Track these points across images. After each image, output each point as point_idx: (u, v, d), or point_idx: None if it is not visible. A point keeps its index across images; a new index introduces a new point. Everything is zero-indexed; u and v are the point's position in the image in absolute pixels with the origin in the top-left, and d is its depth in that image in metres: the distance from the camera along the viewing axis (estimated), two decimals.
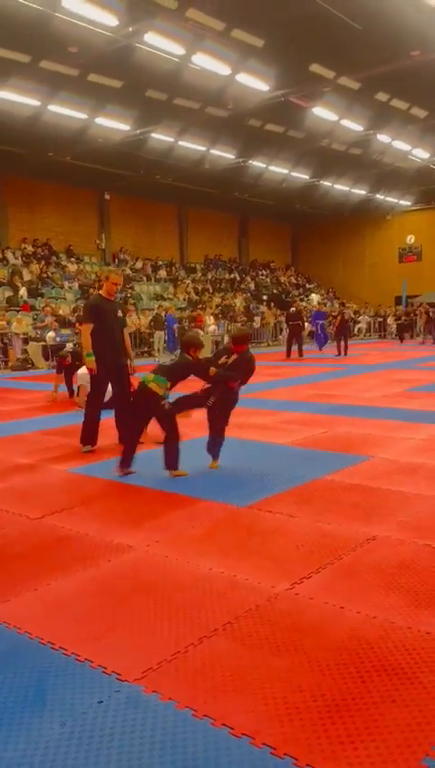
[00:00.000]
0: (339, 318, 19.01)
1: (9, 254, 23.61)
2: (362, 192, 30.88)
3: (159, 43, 14.97)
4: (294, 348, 18.43)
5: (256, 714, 2.17)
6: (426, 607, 2.90)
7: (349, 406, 8.83)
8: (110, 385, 6.43)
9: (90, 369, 6.23)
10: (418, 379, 11.85)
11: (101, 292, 6.51)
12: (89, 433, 6.37)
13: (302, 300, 31.31)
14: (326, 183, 28.95)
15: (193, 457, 5.53)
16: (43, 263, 24.18)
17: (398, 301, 31.64)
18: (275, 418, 7.98)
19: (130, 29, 14.26)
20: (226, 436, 6.17)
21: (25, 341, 17.56)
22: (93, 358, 6.10)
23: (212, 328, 22.50)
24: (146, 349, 20.59)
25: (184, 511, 4.41)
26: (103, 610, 2.94)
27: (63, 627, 2.80)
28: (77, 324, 9.96)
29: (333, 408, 8.60)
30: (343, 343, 18.49)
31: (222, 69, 16.39)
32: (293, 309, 19.69)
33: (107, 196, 27.77)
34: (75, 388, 9.21)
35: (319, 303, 29.55)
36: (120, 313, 6.50)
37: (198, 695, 2.29)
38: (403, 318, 26.19)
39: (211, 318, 23.19)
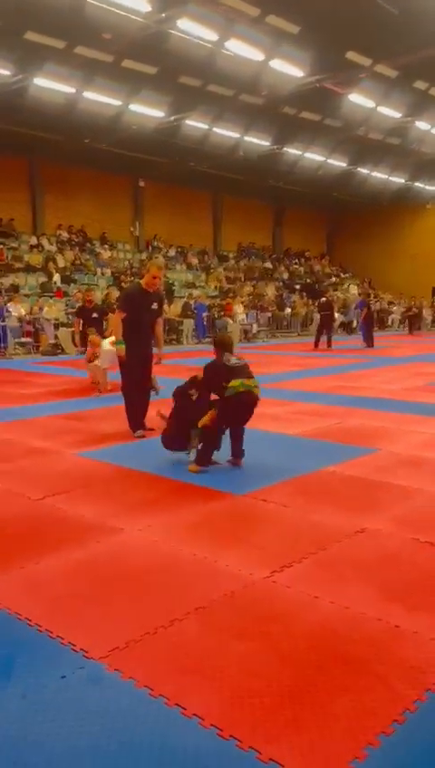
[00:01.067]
0: (365, 309, 18.73)
1: (45, 241, 23.95)
2: (401, 180, 30.32)
3: (193, 29, 14.97)
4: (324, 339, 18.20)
5: (209, 696, 2.23)
6: (399, 600, 2.90)
7: (366, 398, 8.76)
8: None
9: (120, 357, 6.35)
10: None
11: (141, 281, 6.58)
12: (135, 418, 6.46)
13: (335, 290, 31.02)
14: (363, 171, 28.52)
15: None
16: (77, 249, 24.46)
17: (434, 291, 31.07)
18: (289, 409, 7.98)
19: (163, 15, 14.28)
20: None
21: (57, 327, 17.82)
22: (124, 346, 6.24)
23: (241, 317, 22.47)
24: (175, 336, 20.70)
25: (182, 498, 4.48)
26: (83, 590, 3.03)
27: (42, 604, 2.89)
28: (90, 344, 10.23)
29: (350, 400, 8.55)
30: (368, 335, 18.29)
31: (256, 55, 16.27)
32: (324, 299, 19.47)
33: (142, 183, 27.86)
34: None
35: (360, 294, 29.13)
36: (154, 306, 6.46)
37: (159, 675, 2.35)
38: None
39: (241, 307, 23.14)
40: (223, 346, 5.33)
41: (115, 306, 6.68)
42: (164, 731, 2.05)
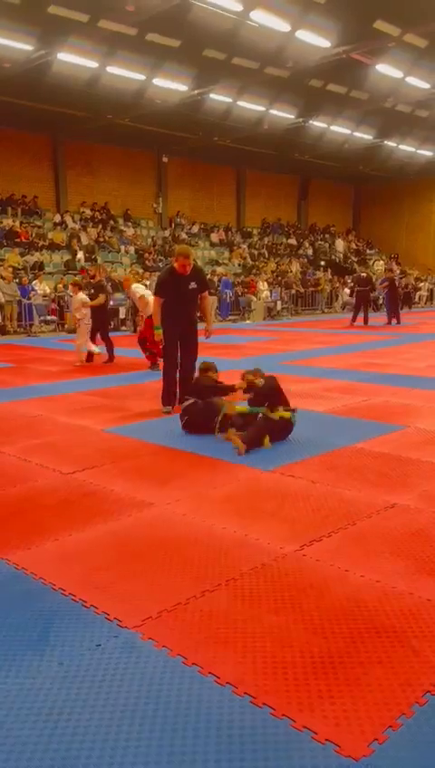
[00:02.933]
0: (388, 284, 18.28)
1: (68, 218, 23.95)
2: (429, 153, 29.58)
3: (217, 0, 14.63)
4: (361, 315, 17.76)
5: (243, 665, 2.26)
6: (430, 574, 2.90)
7: (393, 375, 8.67)
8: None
9: (158, 342, 6.69)
10: None
11: (175, 264, 6.62)
12: (168, 395, 6.67)
13: (364, 265, 30.59)
14: (391, 143, 27.88)
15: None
16: (100, 227, 24.43)
17: None
18: (317, 386, 7.94)
19: None
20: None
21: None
22: (161, 330, 6.51)
23: (265, 294, 22.32)
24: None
25: (210, 473, 4.50)
26: (115, 562, 3.07)
27: (76, 575, 2.94)
28: (70, 286, 11.00)
29: (377, 377, 8.48)
30: (395, 311, 17.97)
31: (281, 25, 15.88)
32: (364, 274, 18.95)
33: (165, 159, 27.63)
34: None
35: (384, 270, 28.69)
36: (193, 285, 6.52)
37: (191, 644, 2.39)
38: None
39: (265, 284, 22.97)
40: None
41: (154, 292, 7.03)
42: (198, 696, 2.09)
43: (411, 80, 19.78)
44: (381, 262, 30.69)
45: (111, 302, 17.68)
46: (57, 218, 23.75)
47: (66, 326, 17.35)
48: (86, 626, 2.53)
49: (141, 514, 3.69)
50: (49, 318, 17.69)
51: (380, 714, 1.99)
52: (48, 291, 17.91)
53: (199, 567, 2.99)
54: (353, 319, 17.94)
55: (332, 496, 3.97)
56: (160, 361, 7.82)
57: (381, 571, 2.93)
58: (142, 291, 10.49)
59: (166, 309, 6.45)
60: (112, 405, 6.99)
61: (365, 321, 17.67)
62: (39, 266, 19.91)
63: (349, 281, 25.81)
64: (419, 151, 29.03)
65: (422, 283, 29.14)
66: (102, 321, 11.19)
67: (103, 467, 4.64)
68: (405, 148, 28.46)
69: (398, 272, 25.66)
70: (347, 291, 24.26)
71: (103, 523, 3.55)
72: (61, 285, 18.33)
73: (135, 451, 5.14)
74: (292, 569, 2.98)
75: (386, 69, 18.81)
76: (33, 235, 22.03)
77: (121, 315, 17.97)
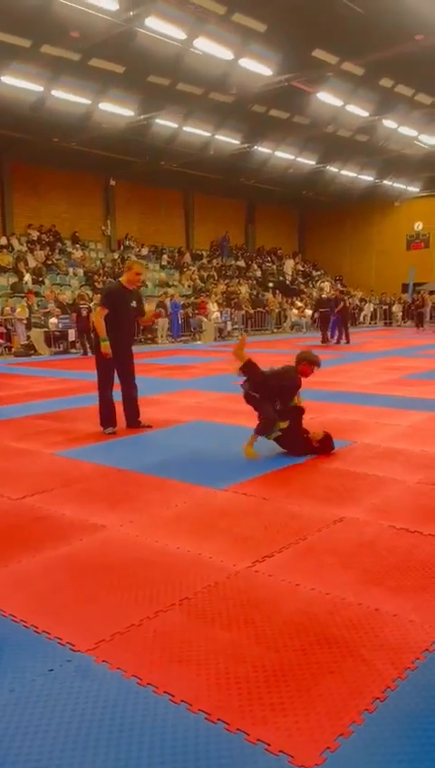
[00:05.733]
0: (341, 305, 18.92)
1: (15, 241, 23.71)
2: (370, 178, 30.69)
3: (161, 28, 14.95)
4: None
5: (197, 683, 2.27)
6: (378, 585, 2.98)
7: (342, 392, 8.88)
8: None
9: (104, 354, 6.37)
10: (415, 367, 11.87)
11: (121, 279, 6.63)
12: (107, 415, 6.56)
13: (310, 287, 31.27)
14: (333, 169, 28.81)
15: (184, 440, 5.61)
16: (48, 249, 24.26)
17: (404, 288, 31.52)
18: None
19: (131, 13, 14.24)
20: (214, 422, 6.93)
21: (28, 327, 17.68)
22: (108, 342, 6.32)
23: (215, 315, 22.54)
24: (149, 335, 20.67)
25: (162, 493, 4.51)
26: (67, 586, 3.05)
27: (27, 600, 2.90)
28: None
29: (326, 395, 8.65)
30: (343, 331, 18.61)
31: (224, 53, 16.32)
32: (324, 296, 20.08)
33: (112, 182, 27.76)
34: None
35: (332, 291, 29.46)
36: (134, 304, 6.59)
37: (145, 665, 2.39)
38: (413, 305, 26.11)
39: (215, 305, 23.20)
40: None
41: (98, 303, 6.83)
42: (154, 717, 2.09)
43: (351, 107, 20.54)
44: (327, 282, 31.48)
45: (60, 325, 17.60)
46: (3, 241, 23.47)
47: (13, 349, 17.09)
48: (38, 651, 2.49)
49: (93, 537, 3.66)
50: None
51: (331, 722, 2.04)
52: None
53: (153, 587, 3.00)
54: (324, 338, 18.76)
55: (283, 512, 4.03)
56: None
57: (331, 584, 3.00)
58: None
59: (109, 321, 6.34)
60: (63, 428, 6.92)
61: (323, 339, 18.58)
62: None
63: (297, 302, 26.38)
64: (360, 176, 30.05)
65: (366, 304, 29.95)
66: None
67: (54, 491, 4.59)
68: (347, 173, 29.45)
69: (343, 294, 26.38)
70: (308, 312, 24.92)
71: (54, 548, 3.51)
72: (8, 308, 18.08)
73: (86, 474, 5.10)
74: (244, 585, 3.01)
75: (326, 97, 19.49)
76: None
77: (71, 338, 17.81)
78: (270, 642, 2.52)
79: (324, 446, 5.40)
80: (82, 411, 7.95)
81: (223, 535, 3.66)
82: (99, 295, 7.75)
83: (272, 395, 5.46)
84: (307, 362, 5.63)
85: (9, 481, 4.89)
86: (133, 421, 6.66)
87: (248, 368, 5.52)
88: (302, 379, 5.63)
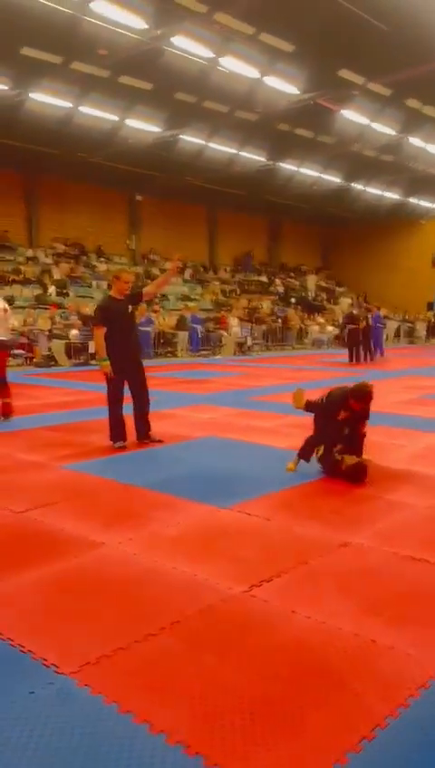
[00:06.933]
0: (364, 323, 18.68)
1: (40, 253, 24.02)
2: (395, 196, 30.52)
3: (188, 46, 15.10)
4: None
5: (179, 712, 2.19)
6: (377, 615, 2.87)
7: None
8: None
9: (106, 375, 6.28)
10: None
11: (111, 292, 6.60)
12: (116, 429, 6.47)
13: (333, 303, 31.12)
14: (358, 186, 28.71)
15: (194, 456, 5.56)
16: (72, 262, 24.53)
17: (430, 306, 31.21)
18: (280, 422, 7.96)
19: (159, 32, 14.40)
20: (226, 438, 6.87)
21: (50, 339, 17.83)
22: (108, 362, 6.21)
23: (236, 330, 22.52)
24: (169, 349, 20.72)
25: (165, 511, 4.45)
26: (57, 604, 2.99)
27: (14, 618, 2.85)
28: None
29: None
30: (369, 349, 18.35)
31: (250, 72, 16.42)
32: (354, 311, 19.50)
33: (138, 198, 28.01)
34: None
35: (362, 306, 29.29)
36: (130, 308, 6.47)
37: (128, 691, 2.32)
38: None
39: (236, 320, 23.19)
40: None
41: (93, 322, 6.65)
42: (130, 749, 2.02)
43: (376, 126, 20.50)
44: (349, 300, 31.32)
45: (81, 337, 17.71)
46: (29, 253, 23.80)
47: (34, 360, 17.23)
48: (21, 672, 2.44)
49: (90, 554, 3.61)
50: (17, 352, 17.54)
51: (314, 761, 1.95)
52: (16, 324, 17.80)
53: (144, 609, 2.93)
54: (351, 356, 17.84)
55: (286, 534, 3.94)
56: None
57: (329, 612, 2.90)
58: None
59: (111, 336, 6.23)
60: (74, 440, 6.91)
61: (352, 358, 17.71)
62: (9, 300, 19.85)
63: (319, 318, 26.21)
64: (385, 195, 29.93)
65: (390, 321, 29.67)
66: None
67: (57, 506, 4.55)
68: (372, 191, 29.33)
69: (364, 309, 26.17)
70: (330, 328, 24.75)
71: (49, 564, 3.46)
72: (30, 319, 18.27)
73: (91, 488, 5.07)
74: (238, 610, 2.93)
75: (352, 115, 19.48)
76: (8, 269, 22.02)
77: (91, 349, 17.89)
78: (260, 671, 2.43)
79: (353, 473, 5.09)
80: (94, 424, 7.92)
81: (222, 557, 3.58)
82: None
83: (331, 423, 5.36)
84: (354, 399, 5.32)
85: (14, 493, 4.87)
86: (143, 435, 6.61)
87: (308, 408, 5.65)
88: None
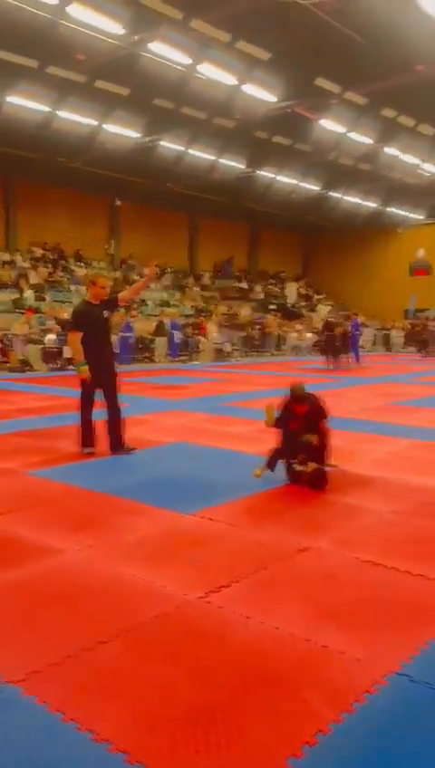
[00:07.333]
0: (341, 329, 18.82)
1: (17, 257, 23.86)
2: (373, 205, 30.89)
3: (165, 52, 15.17)
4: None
5: (123, 720, 2.17)
6: (331, 620, 2.88)
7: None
8: None
9: (83, 380, 6.19)
10: (407, 393, 11.79)
11: (87, 297, 6.54)
12: (86, 435, 6.38)
13: (311, 311, 31.31)
14: (336, 195, 29.00)
15: (162, 462, 5.54)
16: (51, 266, 24.40)
17: (406, 314, 31.55)
18: (252, 428, 7.95)
19: (136, 37, 14.45)
20: (197, 443, 6.89)
21: (26, 343, 17.70)
22: (87, 367, 6.11)
23: (214, 335, 22.55)
24: (147, 354, 20.67)
25: (128, 517, 4.42)
26: (9, 613, 2.96)
27: None
28: None
29: None
30: (343, 355, 18.49)
31: (228, 79, 16.54)
32: (332, 319, 19.85)
33: (118, 203, 27.99)
34: None
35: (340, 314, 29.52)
36: (106, 313, 6.39)
37: (75, 699, 2.29)
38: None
39: (214, 326, 23.23)
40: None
41: (68, 327, 6.53)
42: (71, 757, 2.00)
43: (353, 135, 20.73)
44: (328, 307, 31.54)
45: (58, 342, 17.60)
46: (6, 257, 23.63)
47: (9, 365, 17.09)
48: None
49: (48, 562, 3.58)
50: None
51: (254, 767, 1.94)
52: None
53: (97, 617, 2.91)
54: (328, 363, 18.15)
55: (247, 540, 3.94)
56: None
57: (283, 618, 2.90)
58: None
59: (86, 341, 6.14)
60: (42, 446, 6.85)
61: (329, 364, 18.00)
62: None
63: (297, 325, 26.33)
64: (363, 203, 30.25)
65: (367, 329, 29.92)
66: None
67: (19, 513, 4.50)
68: (350, 199, 29.64)
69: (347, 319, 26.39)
70: (308, 335, 24.92)
71: (6, 572, 3.42)
72: (5, 324, 18.12)
73: (56, 495, 5.02)
74: (193, 617, 2.92)
75: (329, 124, 19.68)
76: None
77: (67, 355, 17.79)
78: (208, 679, 2.42)
79: (315, 481, 5.09)
80: (65, 429, 7.85)
81: (181, 563, 3.57)
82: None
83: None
84: (294, 403, 5.39)
85: None
86: (116, 447, 6.50)
87: (277, 425, 5.51)
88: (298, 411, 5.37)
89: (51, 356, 17.70)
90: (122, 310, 14.05)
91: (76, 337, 6.21)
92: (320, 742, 2.06)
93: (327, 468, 5.29)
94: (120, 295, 6.83)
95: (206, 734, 2.10)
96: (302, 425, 5.24)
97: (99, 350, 6.27)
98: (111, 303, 6.56)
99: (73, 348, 6.32)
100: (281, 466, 5.45)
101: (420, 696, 2.33)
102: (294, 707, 2.24)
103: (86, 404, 6.37)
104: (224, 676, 2.44)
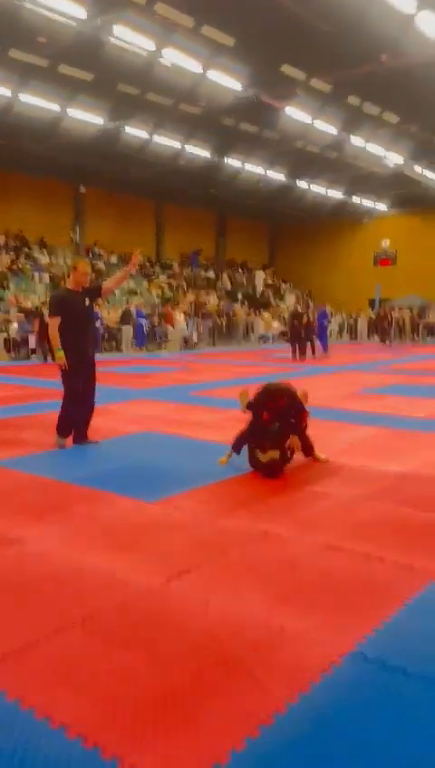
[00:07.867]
0: (306, 319, 18.94)
1: None
2: (339, 195, 31.08)
3: (129, 37, 14.97)
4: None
5: (81, 706, 2.18)
6: (289, 603, 2.93)
7: None
8: None
9: (60, 366, 6.07)
10: (374, 381, 11.95)
11: (67, 284, 6.40)
12: (66, 424, 6.24)
13: (279, 300, 31.44)
14: (303, 184, 29.09)
15: (128, 451, 5.52)
16: (13, 254, 23.99)
17: (371, 304, 31.92)
18: (219, 416, 7.99)
19: (99, 21, 14.21)
20: (161, 432, 6.91)
21: None
22: (63, 353, 5.98)
23: (182, 325, 22.50)
24: (114, 343, 20.53)
25: (92, 506, 4.41)
26: None
27: None
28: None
29: None
30: (310, 345, 18.52)
31: (193, 65, 16.40)
32: (298, 308, 19.80)
33: (82, 189, 27.62)
34: None
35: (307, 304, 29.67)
36: (87, 301, 6.25)
37: (33, 686, 2.29)
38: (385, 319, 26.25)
39: (181, 315, 23.17)
40: None
41: (49, 313, 6.38)
42: (27, 742, 2.00)
43: (319, 124, 20.79)
44: (294, 296, 31.70)
45: (21, 332, 17.37)
46: None
47: None
48: None
49: (7, 551, 3.55)
50: None
51: (211, 748, 1.97)
52: None
53: (57, 606, 2.90)
54: (294, 353, 17.90)
55: (209, 526, 3.97)
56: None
57: (242, 602, 2.94)
58: None
59: (65, 329, 6.00)
60: (6, 437, 6.76)
61: (295, 353, 17.84)
62: None
63: (265, 314, 26.44)
64: (329, 193, 30.42)
65: (333, 318, 30.19)
66: None
67: None
68: (316, 189, 29.77)
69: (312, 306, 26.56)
70: (275, 324, 24.99)
71: None
72: None
73: (19, 484, 4.97)
74: (153, 603, 2.94)
75: (295, 112, 19.69)
76: None
77: (31, 344, 17.58)
78: (166, 663, 2.44)
79: (269, 469, 5.14)
80: (30, 419, 7.81)
81: (143, 550, 3.58)
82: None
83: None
84: (269, 401, 5.45)
85: None
86: (81, 436, 6.36)
87: (249, 407, 5.56)
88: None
89: (14, 345, 17.46)
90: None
91: (54, 322, 6.04)
92: (276, 721, 2.10)
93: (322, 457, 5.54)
94: (104, 285, 6.71)
95: (164, 717, 2.12)
96: (274, 417, 5.29)
97: (78, 339, 6.09)
98: (94, 292, 6.38)
99: (51, 334, 6.13)
100: (244, 454, 5.49)
101: (373, 674, 2.39)
102: (251, 689, 2.28)
103: (72, 395, 6.19)
104: (182, 660, 2.46)
